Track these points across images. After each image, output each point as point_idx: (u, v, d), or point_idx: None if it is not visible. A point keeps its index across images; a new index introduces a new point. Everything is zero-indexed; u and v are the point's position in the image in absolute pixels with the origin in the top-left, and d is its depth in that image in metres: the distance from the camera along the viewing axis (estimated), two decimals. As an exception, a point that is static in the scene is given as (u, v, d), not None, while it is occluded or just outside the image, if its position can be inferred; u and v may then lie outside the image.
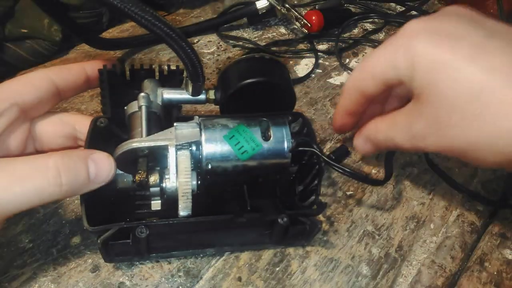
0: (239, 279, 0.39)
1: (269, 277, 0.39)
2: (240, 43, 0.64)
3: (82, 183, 0.31)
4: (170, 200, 0.35)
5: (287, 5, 0.63)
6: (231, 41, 0.65)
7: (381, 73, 0.33)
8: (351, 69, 0.62)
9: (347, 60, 0.64)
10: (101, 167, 0.32)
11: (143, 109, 0.37)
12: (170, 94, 0.40)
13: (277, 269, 0.40)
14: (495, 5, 0.64)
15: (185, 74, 0.38)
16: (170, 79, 0.42)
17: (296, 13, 0.63)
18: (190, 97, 0.40)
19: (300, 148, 0.38)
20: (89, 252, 0.39)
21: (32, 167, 0.29)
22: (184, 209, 0.34)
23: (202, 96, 0.40)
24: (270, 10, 0.64)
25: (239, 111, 0.40)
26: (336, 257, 0.41)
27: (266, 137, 0.37)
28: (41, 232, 0.40)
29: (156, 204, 0.36)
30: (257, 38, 0.66)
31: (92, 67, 0.38)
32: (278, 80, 0.41)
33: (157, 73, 0.41)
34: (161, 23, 0.31)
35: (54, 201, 0.38)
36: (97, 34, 0.59)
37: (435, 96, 0.30)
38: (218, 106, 0.42)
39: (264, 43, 0.65)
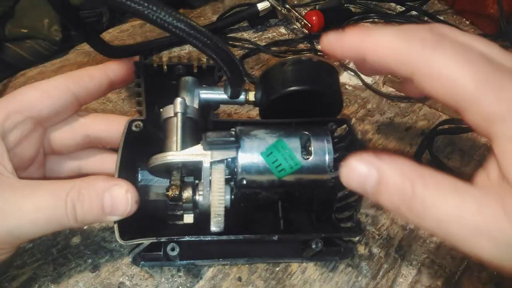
0: (239, 279, 0.39)
1: (269, 277, 0.39)
2: (240, 43, 0.64)
3: (97, 216, 0.31)
4: (203, 214, 0.35)
5: (287, 6, 0.63)
6: (230, 42, 0.65)
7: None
8: (351, 69, 0.61)
9: (347, 60, 0.64)
10: (117, 202, 0.31)
11: (179, 116, 0.36)
12: (208, 95, 0.39)
13: (277, 269, 0.39)
14: (495, 5, 0.64)
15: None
16: (208, 76, 0.40)
17: (296, 14, 0.63)
18: (228, 98, 0.39)
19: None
20: (89, 252, 0.39)
21: (55, 199, 0.30)
22: (216, 226, 0.34)
23: (241, 97, 0.39)
24: (271, 11, 0.64)
25: (280, 116, 0.38)
26: (336, 257, 0.41)
27: (306, 152, 0.36)
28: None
29: (188, 218, 0.36)
30: (257, 38, 0.66)
31: (115, 71, 0.37)
32: (325, 87, 0.39)
33: (195, 68, 0.39)
34: (197, 32, 0.30)
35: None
36: (103, 42, 0.58)
37: None
38: (256, 108, 0.40)
39: (264, 43, 0.65)
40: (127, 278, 0.38)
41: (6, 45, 0.57)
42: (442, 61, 0.23)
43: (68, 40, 0.60)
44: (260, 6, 0.63)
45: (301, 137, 0.36)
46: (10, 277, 0.37)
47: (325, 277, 0.39)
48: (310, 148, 0.35)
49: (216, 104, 0.40)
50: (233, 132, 0.35)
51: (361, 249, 0.42)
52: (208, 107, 0.40)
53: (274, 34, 0.67)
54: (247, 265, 0.39)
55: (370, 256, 0.41)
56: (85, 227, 0.40)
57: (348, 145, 0.38)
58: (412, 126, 0.54)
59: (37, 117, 0.33)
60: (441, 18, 0.72)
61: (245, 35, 0.67)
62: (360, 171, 0.23)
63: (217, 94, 0.39)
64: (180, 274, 0.38)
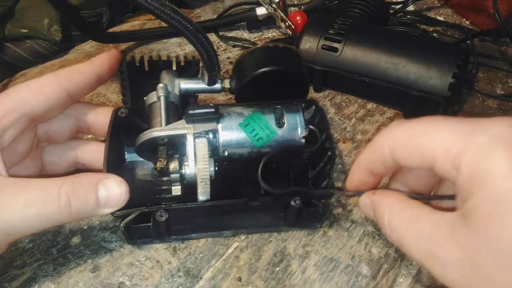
0: (239, 279, 0.39)
1: (269, 277, 0.39)
2: (240, 43, 0.64)
3: (91, 209, 0.32)
4: (189, 185, 0.37)
5: (274, 5, 0.62)
6: (230, 42, 0.65)
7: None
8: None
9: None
10: (111, 193, 0.32)
11: (162, 99, 0.39)
12: (187, 84, 0.42)
13: (277, 269, 0.40)
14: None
15: (201, 64, 0.40)
16: (187, 70, 0.44)
17: (282, 14, 0.62)
18: (206, 86, 0.42)
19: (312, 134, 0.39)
20: (89, 252, 0.39)
21: (46, 195, 0.30)
22: (203, 194, 0.36)
23: (217, 85, 0.42)
24: (269, 17, 0.64)
25: (254, 100, 0.41)
26: (336, 257, 0.41)
27: (280, 124, 0.39)
28: (41, 232, 0.40)
29: (176, 190, 0.38)
30: (256, 38, 0.66)
31: (101, 66, 0.38)
32: (291, 68, 0.42)
33: (174, 64, 0.43)
34: (179, 16, 0.32)
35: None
36: (101, 30, 0.60)
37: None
38: (233, 95, 0.43)
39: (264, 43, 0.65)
40: (127, 278, 0.38)
41: (6, 45, 0.57)
42: None
43: (68, 40, 0.60)
44: (259, 11, 0.63)
45: (275, 111, 0.39)
46: (10, 277, 0.37)
47: (325, 277, 0.39)
48: (283, 120, 0.39)
49: (195, 93, 0.44)
50: (212, 105, 0.38)
51: (361, 249, 0.42)
52: (187, 97, 0.43)
53: (274, 34, 0.67)
54: (247, 265, 0.39)
55: (370, 256, 0.41)
56: (85, 227, 0.41)
57: (318, 123, 0.41)
58: (412, 126, 0.54)
59: (31, 114, 0.34)
60: (441, 18, 0.72)
61: (245, 35, 0.67)
62: (364, 202, 0.30)
63: (196, 84, 0.42)
64: (180, 274, 0.38)
